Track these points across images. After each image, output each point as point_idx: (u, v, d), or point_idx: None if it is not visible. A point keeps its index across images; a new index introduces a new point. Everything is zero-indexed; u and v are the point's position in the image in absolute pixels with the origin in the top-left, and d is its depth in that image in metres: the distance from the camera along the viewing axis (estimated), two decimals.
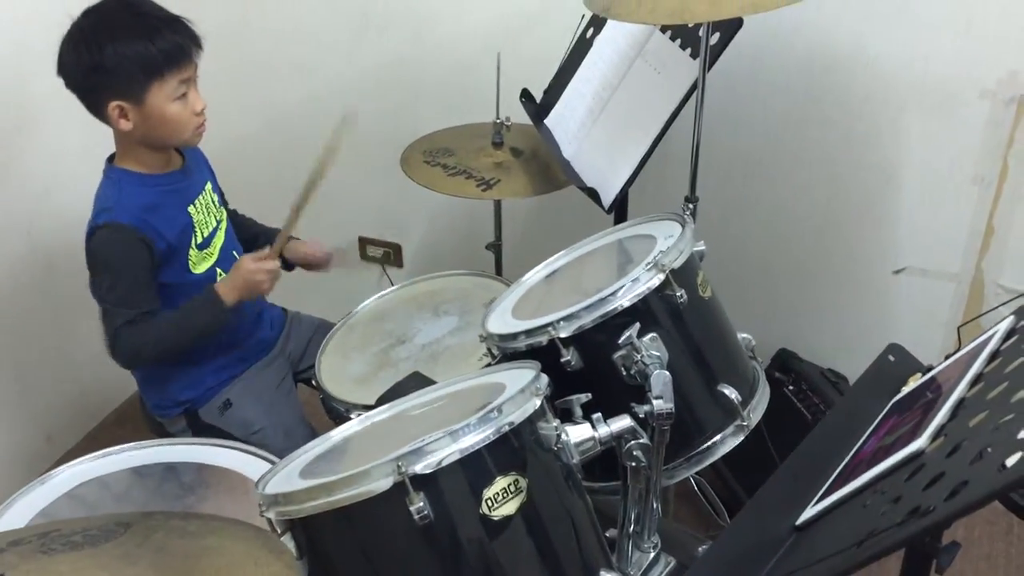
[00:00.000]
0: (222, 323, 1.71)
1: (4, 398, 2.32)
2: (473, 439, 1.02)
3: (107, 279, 1.63)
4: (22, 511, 1.35)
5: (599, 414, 1.17)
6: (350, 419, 1.59)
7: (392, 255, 2.70)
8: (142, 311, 1.64)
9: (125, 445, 1.49)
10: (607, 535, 1.23)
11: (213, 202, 1.79)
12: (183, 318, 1.68)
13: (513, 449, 1.06)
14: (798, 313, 2.25)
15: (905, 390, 1.06)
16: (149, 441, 1.52)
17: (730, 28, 1.57)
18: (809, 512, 0.90)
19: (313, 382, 1.75)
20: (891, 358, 1.13)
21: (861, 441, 0.99)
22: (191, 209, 1.72)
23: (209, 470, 1.45)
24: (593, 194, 1.73)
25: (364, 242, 2.71)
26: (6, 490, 2.20)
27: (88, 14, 1.58)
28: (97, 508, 1.39)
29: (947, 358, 1.07)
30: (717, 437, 1.35)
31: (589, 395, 1.19)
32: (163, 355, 1.70)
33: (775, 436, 1.69)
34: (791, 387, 2.10)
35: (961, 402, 0.85)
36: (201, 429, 1.78)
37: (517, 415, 1.06)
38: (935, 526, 0.65)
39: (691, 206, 1.68)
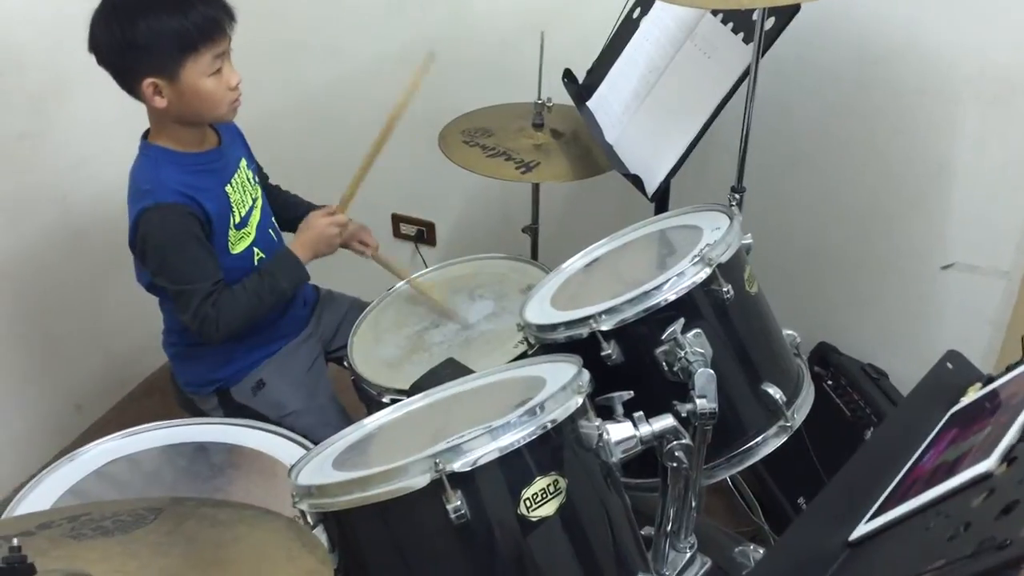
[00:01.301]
0: (302, 282, 1.73)
1: (35, 367, 2.32)
2: (513, 437, 0.99)
3: (171, 259, 1.60)
4: (51, 488, 1.34)
5: (641, 412, 1.14)
6: (382, 403, 1.60)
7: (425, 233, 2.67)
8: (214, 281, 1.62)
9: (156, 423, 1.48)
10: (642, 532, 1.20)
11: (249, 180, 1.76)
12: (265, 282, 1.67)
13: (553, 448, 1.03)
14: (840, 306, 2.20)
15: (964, 401, 1.02)
16: (180, 420, 1.51)
17: (786, 13, 1.52)
18: (863, 528, 0.86)
19: (345, 363, 1.73)
20: (949, 365, 1.09)
21: (918, 454, 0.95)
22: (228, 189, 1.69)
23: (239, 451, 1.44)
24: (636, 181, 1.69)
25: (397, 219, 2.68)
26: (37, 457, 2.24)
27: None
28: (127, 486, 1.38)
29: (1009, 369, 1.03)
30: (759, 438, 1.31)
31: (631, 393, 1.15)
32: (248, 323, 1.67)
33: (812, 432, 1.64)
34: (830, 382, 2.06)
35: None
36: (233, 408, 1.76)
37: (559, 413, 1.03)
38: (1014, 561, 0.61)
39: (738, 196, 1.63)
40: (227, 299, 1.63)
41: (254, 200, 1.76)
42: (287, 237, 1.87)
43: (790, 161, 2.09)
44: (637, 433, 1.12)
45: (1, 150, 2.10)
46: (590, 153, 1.92)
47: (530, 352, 1.47)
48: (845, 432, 1.95)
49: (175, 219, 1.59)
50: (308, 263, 1.73)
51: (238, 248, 1.70)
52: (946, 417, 1.01)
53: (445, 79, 2.39)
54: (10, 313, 2.22)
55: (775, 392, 1.30)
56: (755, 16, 1.49)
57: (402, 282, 1.90)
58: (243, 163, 1.77)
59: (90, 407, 2.49)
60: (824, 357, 2.10)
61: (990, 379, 1.04)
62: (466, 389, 1.28)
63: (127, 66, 1.56)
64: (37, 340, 2.31)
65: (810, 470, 1.92)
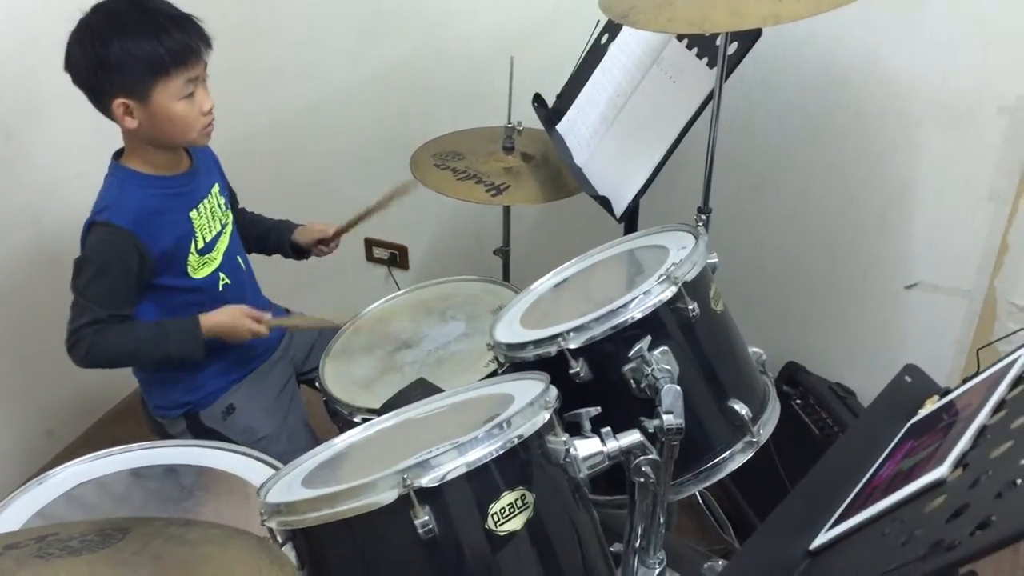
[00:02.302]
0: (191, 358, 1.68)
1: (7, 391, 2.31)
2: (480, 452, 1.00)
3: (88, 273, 1.61)
4: (20, 511, 1.33)
5: (608, 428, 1.15)
6: (354, 423, 1.60)
7: (398, 257, 2.68)
8: (112, 313, 1.62)
9: (125, 446, 1.48)
10: (612, 549, 1.21)
11: (219, 205, 1.77)
12: (153, 335, 1.66)
13: (521, 463, 1.04)
14: (807, 326, 2.23)
15: (922, 413, 1.04)
16: (149, 443, 1.50)
17: (748, 38, 1.55)
18: (823, 537, 0.88)
19: (317, 384, 1.73)
20: (907, 379, 1.11)
21: (877, 464, 0.97)
22: (193, 214, 1.70)
23: (209, 473, 1.44)
24: (605, 203, 1.71)
25: (370, 243, 2.70)
26: (6, 483, 2.21)
27: (96, 10, 1.56)
28: (95, 509, 1.37)
29: (965, 381, 1.05)
30: (726, 453, 1.33)
31: (599, 409, 1.17)
32: (120, 364, 1.69)
33: (781, 450, 1.66)
34: (799, 401, 2.08)
35: (983, 430, 0.83)
36: (202, 432, 1.76)
37: (526, 428, 1.04)
38: (961, 561, 0.63)
39: (704, 217, 1.66)
40: (112, 334, 1.62)
41: (223, 226, 1.77)
42: (254, 260, 1.88)
43: (756, 182, 2.13)
44: (604, 448, 1.13)
45: None
46: (560, 176, 1.95)
47: (500, 371, 1.48)
48: (814, 450, 1.93)
49: (115, 243, 1.60)
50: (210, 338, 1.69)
51: (201, 273, 1.71)
52: (904, 428, 1.03)
53: (417, 103, 2.42)
54: None
55: (741, 408, 1.32)
56: (718, 41, 1.52)
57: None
58: (215, 189, 1.77)
59: (61, 432, 2.47)
60: (792, 376, 2.13)
61: (947, 391, 1.07)
62: (436, 407, 1.29)
63: (99, 85, 1.57)
64: (9, 364, 2.30)
65: (780, 488, 1.93)
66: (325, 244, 1.95)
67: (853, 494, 0.93)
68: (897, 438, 1.01)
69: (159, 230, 1.63)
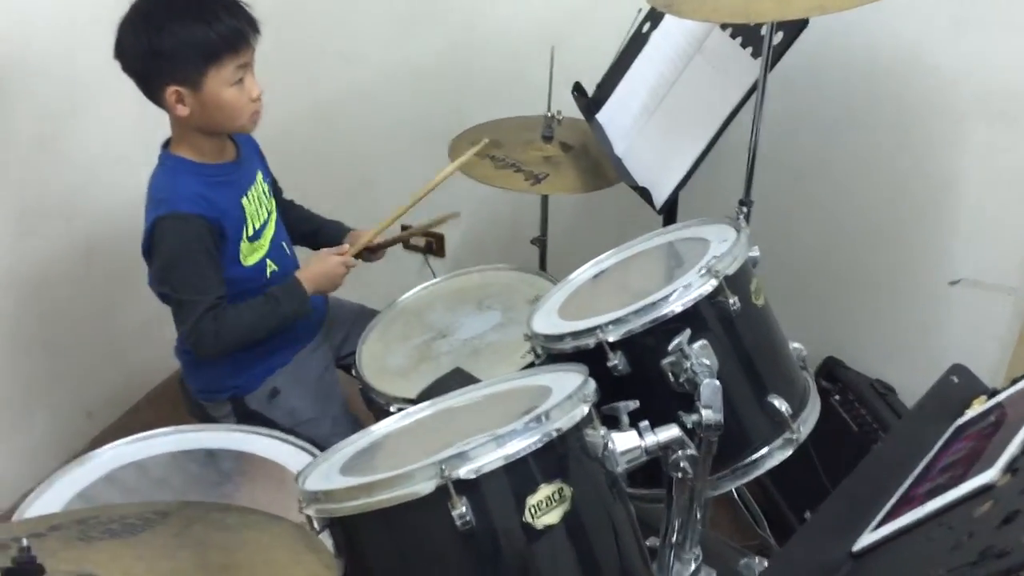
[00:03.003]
0: (303, 314, 1.73)
1: (46, 374, 2.34)
2: (519, 445, 0.99)
3: (180, 269, 1.61)
4: (61, 492, 1.35)
5: (646, 422, 1.14)
6: (389, 411, 1.60)
7: (434, 245, 2.68)
8: (219, 295, 1.63)
9: (165, 428, 1.49)
10: (648, 543, 1.21)
11: (264, 193, 1.78)
12: (268, 306, 1.68)
13: (559, 456, 1.03)
14: (847, 321, 2.20)
15: (969, 414, 1.02)
16: (189, 426, 1.52)
17: (794, 28, 1.53)
18: (867, 539, 0.87)
19: (353, 371, 1.74)
20: (954, 379, 1.09)
21: (923, 466, 0.95)
22: (244, 201, 1.71)
23: (248, 458, 1.45)
24: (644, 193, 1.70)
25: (407, 229, 2.69)
26: (47, 464, 2.25)
27: None
28: (135, 492, 1.38)
29: (1013, 382, 1.03)
30: (765, 450, 1.31)
31: (637, 403, 1.16)
32: (244, 342, 1.68)
33: (819, 446, 1.64)
34: (837, 397, 2.06)
35: None
36: (246, 415, 1.77)
37: (564, 421, 1.03)
38: (1014, 568, 0.61)
39: (745, 209, 1.64)
40: (230, 315, 1.64)
41: (269, 213, 1.78)
42: (298, 251, 1.89)
43: (798, 175, 2.10)
44: (642, 443, 1.13)
45: (13, 160, 2.12)
46: (599, 165, 1.93)
47: (537, 362, 1.48)
48: (852, 447, 1.95)
49: (188, 230, 1.60)
50: (312, 294, 1.74)
51: (250, 260, 1.72)
52: (951, 429, 1.01)
53: (456, 91, 2.42)
54: (23, 321, 2.23)
55: (781, 404, 1.30)
56: (763, 31, 1.50)
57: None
58: (259, 176, 1.78)
59: (101, 414, 2.50)
60: (831, 372, 2.10)
61: (994, 392, 1.05)
62: (473, 398, 1.29)
63: (151, 73, 1.58)
64: (49, 348, 2.32)
65: (817, 484, 1.91)
66: (371, 252, 1.95)
67: (898, 496, 0.92)
68: (943, 439, 0.99)
69: (218, 214, 1.64)
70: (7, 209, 2.13)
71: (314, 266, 1.76)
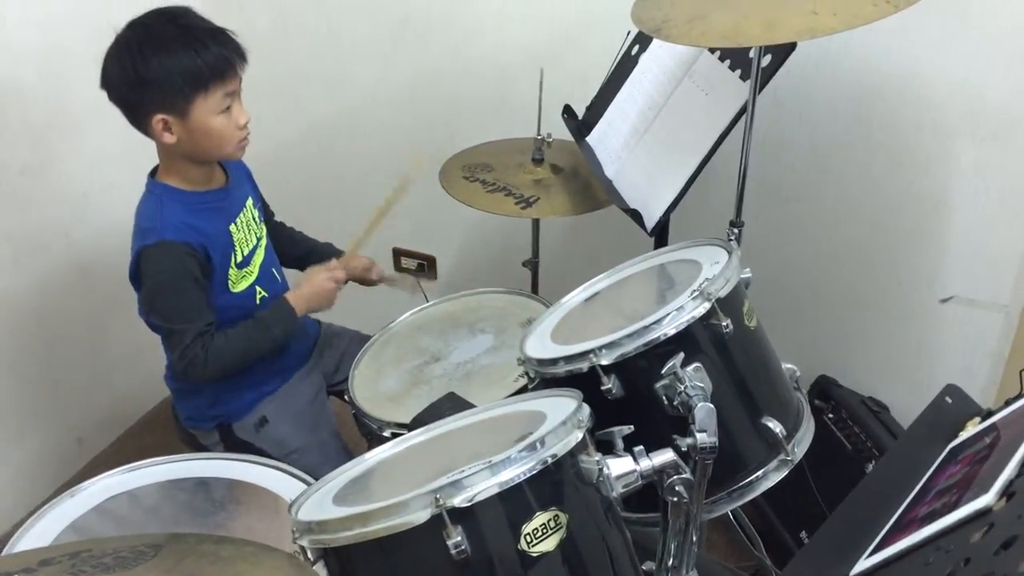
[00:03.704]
0: (292, 334, 1.72)
1: (38, 400, 2.33)
2: (513, 472, 0.99)
3: (167, 298, 1.61)
4: (52, 523, 1.34)
5: (641, 447, 1.14)
6: (382, 436, 1.60)
7: (426, 267, 2.68)
8: (207, 322, 1.63)
9: (156, 458, 1.48)
10: (644, 568, 1.20)
11: (254, 218, 1.78)
12: (258, 330, 1.68)
13: (554, 483, 1.03)
14: (840, 339, 2.21)
15: (963, 435, 1.02)
16: (181, 455, 1.51)
17: (782, 51, 1.54)
18: (864, 564, 0.86)
19: (346, 397, 1.73)
20: (948, 400, 1.09)
21: (918, 489, 0.95)
22: (232, 228, 1.71)
23: (241, 487, 1.44)
24: (635, 216, 1.70)
25: (398, 253, 2.70)
26: (38, 491, 2.24)
27: (133, 26, 1.56)
28: (127, 522, 1.37)
29: (1007, 403, 1.03)
30: (760, 472, 1.31)
31: (631, 427, 1.16)
32: (235, 367, 1.68)
33: (814, 466, 1.64)
34: (831, 415, 2.06)
35: None
36: (234, 444, 1.76)
37: (559, 448, 1.03)
38: None
39: (736, 231, 1.64)
40: (219, 341, 1.63)
41: (258, 239, 1.77)
42: (289, 275, 1.89)
43: (788, 195, 2.11)
44: (637, 467, 1.12)
45: (3, 184, 2.12)
46: (589, 188, 1.93)
47: (530, 386, 1.47)
48: (846, 465, 1.95)
49: (175, 258, 1.60)
50: (304, 313, 1.74)
51: (240, 287, 1.71)
52: (945, 451, 1.01)
53: (446, 114, 2.42)
54: (13, 346, 2.23)
55: (775, 426, 1.30)
56: (752, 53, 1.50)
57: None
58: (249, 202, 1.78)
59: (92, 441, 2.49)
60: (825, 390, 2.10)
61: (989, 413, 1.05)
62: (466, 423, 1.28)
63: (137, 102, 1.57)
64: (40, 374, 2.32)
65: (812, 504, 1.91)
66: (364, 283, 1.95)
67: (893, 519, 0.91)
68: (938, 462, 0.99)
69: (205, 242, 1.64)
70: None
71: (303, 285, 1.76)
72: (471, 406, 1.43)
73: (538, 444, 1.02)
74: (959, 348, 2.08)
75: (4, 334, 2.19)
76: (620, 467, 1.11)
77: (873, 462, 1.90)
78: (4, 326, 2.19)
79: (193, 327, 1.61)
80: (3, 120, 2.10)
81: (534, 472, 1.00)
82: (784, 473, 1.32)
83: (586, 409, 1.11)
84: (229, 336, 1.65)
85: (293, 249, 1.92)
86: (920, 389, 2.14)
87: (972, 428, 1.02)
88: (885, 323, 2.15)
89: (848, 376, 2.11)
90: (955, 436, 1.03)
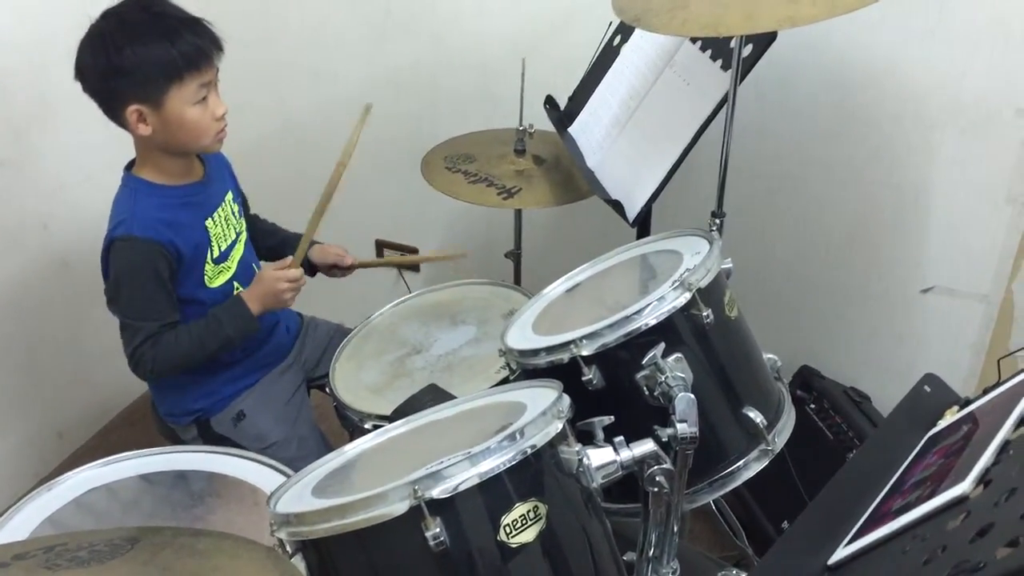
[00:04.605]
0: (250, 334, 1.69)
1: (17, 394, 2.31)
2: (492, 463, 0.98)
3: (126, 292, 1.60)
4: (29, 517, 1.33)
5: (621, 437, 1.14)
6: (364, 428, 1.59)
7: None
8: (163, 323, 1.61)
9: (134, 451, 1.47)
10: (624, 558, 1.20)
11: (233, 213, 1.76)
12: (209, 329, 1.65)
13: (533, 474, 1.02)
14: (821, 330, 2.21)
15: (942, 424, 1.02)
16: (159, 448, 1.50)
17: (763, 40, 1.53)
18: (842, 552, 0.86)
19: (327, 389, 1.72)
20: (927, 388, 1.09)
21: (896, 478, 0.95)
22: (208, 223, 1.69)
23: (219, 479, 1.43)
24: (617, 206, 1.70)
25: (381, 244, 2.69)
26: (16, 484, 2.22)
27: (107, 16, 1.54)
28: (105, 516, 1.36)
29: (985, 392, 1.03)
30: (741, 462, 1.31)
31: (612, 418, 1.15)
32: (187, 367, 1.67)
33: (795, 455, 1.65)
34: (813, 406, 2.06)
35: (1006, 445, 0.81)
36: (212, 438, 1.75)
37: (539, 438, 1.02)
38: None
39: (718, 221, 1.64)
40: (168, 341, 1.62)
41: (237, 234, 1.76)
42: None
43: (770, 186, 2.11)
44: (618, 458, 1.12)
45: None
46: (572, 179, 1.93)
47: (512, 377, 1.47)
48: (828, 455, 1.95)
49: (140, 254, 1.58)
50: (260, 313, 1.69)
51: (216, 282, 1.70)
52: (923, 440, 1.01)
53: (428, 104, 2.41)
54: None
55: (756, 416, 1.30)
56: (733, 43, 1.50)
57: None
58: (228, 196, 1.76)
59: (71, 435, 2.47)
60: (807, 381, 2.11)
61: (967, 402, 1.05)
62: (447, 415, 1.27)
63: (112, 92, 1.55)
64: (19, 367, 2.30)
65: (794, 494, 1.92)
66: (339, 269, 1.93)
67: (872, 508, 0.91)
68: (916, 450, 0.99)
69: (177, 239, 1.62)
70: None
71: (255, 286, 1.69)
72: (452, 398, 1.42)
73: (518, 435, 1.01)
74: (940, 338, 2.09)
75: None
76: (600, 457, 1.11)
77: (854, 451, 1.90)
78: None
79: (147, 326, 1.60)
80: None
81: (514, 463, 0.99)
82: (765, 463, 1.32)
83: (566, 399, 1.10)
84: (180, 335, 1.63)
85: (266, 240, 1.90)
86: (902, 379, 2.11)
87: (950, 417, 1.03)
88: (867, 313, 2.15)
89: (830, 366, 2.12)
90: (933, 425, 1.04)
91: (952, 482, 0.79)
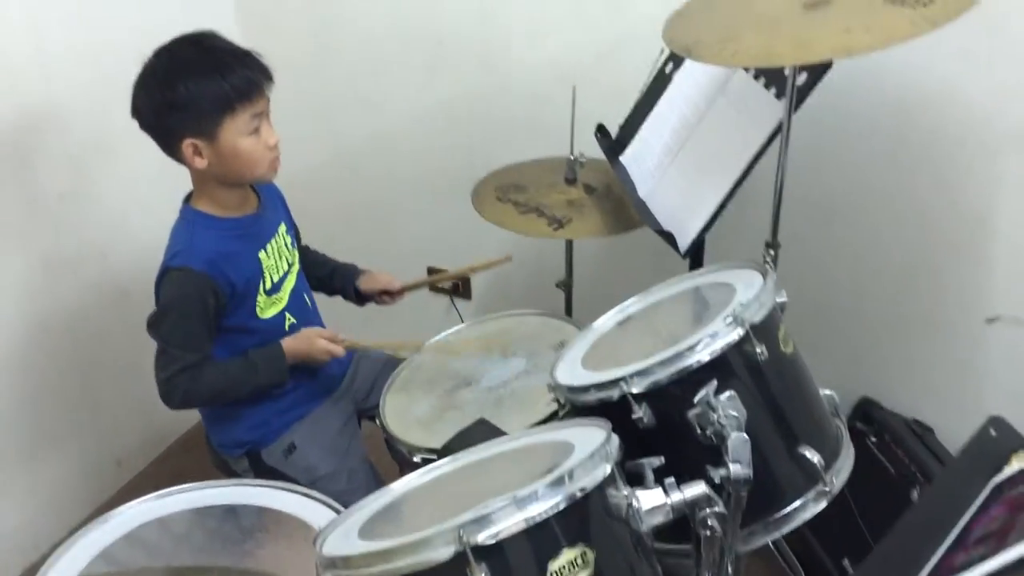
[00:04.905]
0: (279, 384, 1.70)
1: (77, 422, 2.35)
2: (540, 508, 0.96)
3: (172, 321, 1.62)
4: (83, 551, 1.33)
5: (672, 479, 1.11)
6: (414, 462, 1.58)
7: (461, 287, 2.67)
8: (202, 355, 1.64)
9: (186, 485, 1.47)
10: None
11: (286, 245, 1.78)
12: (243, 371, 1.67)
13: (581, 518, 1.00)
14: (882, 360, 2.15)
15: (1008, 471, 0.97)
16: (211, 481, 1.50)
17: (818, 69, 1.51)
18: None
19: (377, 421, 1.72)
20: (992, 432, 1.04)
21: (960, 528, 0.91)
22: (262, 255, 1.71)
23: (270, 514, 1.43)
24: (669, 238, 1.67)
25: (433, 272, 2.69)
26: (77, 513, 2.26)
27: (159, 54, 1.58)
28: (156, 550, 1.37)
29: None
30: (798, 503, 1.27)
31: (662, 459, 1.13)
32: (214, 403, 1.71)
33: (856, 490, 1.59)
34: (874, 439, 2.00)
35: None
36: (263, 471, 1.76)
37: (587, 481, 1.00)
38: None
39: (772, 252, 1.61)
40: (204, 376, 1.64)
41: (290, 265, 1.77)
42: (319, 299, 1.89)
43: (827, 215, 2.06)
44: (668, 501, 1.09)
45: (42, 208, 2.15)
46: (623, 208, 1.91)
47: (561, 413, 1.45)
48: (890, 491, 1.89)
49: (194, 287, 1.61)
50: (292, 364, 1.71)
51: (268, 313, 1.71)
52: (988, 488, 0.97)
53: (477, 135, 2.42)
54: (53, 369, 2.25)
55: (813, 455, 1.26)
56: (787, 72, 1.47)
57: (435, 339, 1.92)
58: (282, 228, 1.78)
59: (130, 462, 2.50)
60: (867, 413, 2.05)
61: None
62: (494, 453, 1.26)
63: (167, 128, 1.58)
64: (78, 396, 2.34)
65: (854, 530, 1.87)
66: (389, 295, 1.94)
67: (935, 561, 0.88)
68: (982, 498, 0.95)
69: (231, 272, 1.64)
70: (36, 258, 2.16)
71: (299, 343, 1.71)
72: (501, 433, 1.41)
73: (566, 478, 0.99)
74: (1007, 368, 2.02)
75: (44, 356, 2.22)
76: (650, 500, 1.08)
77: (918, 487, 1.85)
78: (43, 348, 2.21)
79: (188, 357, 1.62)
80: (44, 146, 2.13)
81: (561, 507, 0.97)
82: (823, 505, 1.28)
83: (615, 440, 1.08)
84: (217, 374, 1.65)
85: (315, 271, 1.91)
86: (967, 411, 2.08)
87: (1017, 463, 0.98)
88: (929, 343, 2.09)
89: (891, 398, 2.06)
90: (999, 471, 0.99)
91: (1017, 538, 0.76)
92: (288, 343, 1.70)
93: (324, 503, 1.41)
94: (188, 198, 1.70)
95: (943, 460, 1.87)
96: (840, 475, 1.31)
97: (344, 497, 1.47)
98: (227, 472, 1.82)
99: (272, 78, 1.63)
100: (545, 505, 0.97)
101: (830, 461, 1.30)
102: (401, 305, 1.99)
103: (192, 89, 1.54)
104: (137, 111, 1.59)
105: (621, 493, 1.05)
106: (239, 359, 1.68)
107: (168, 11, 2.19)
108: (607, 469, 1.03)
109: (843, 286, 2.13)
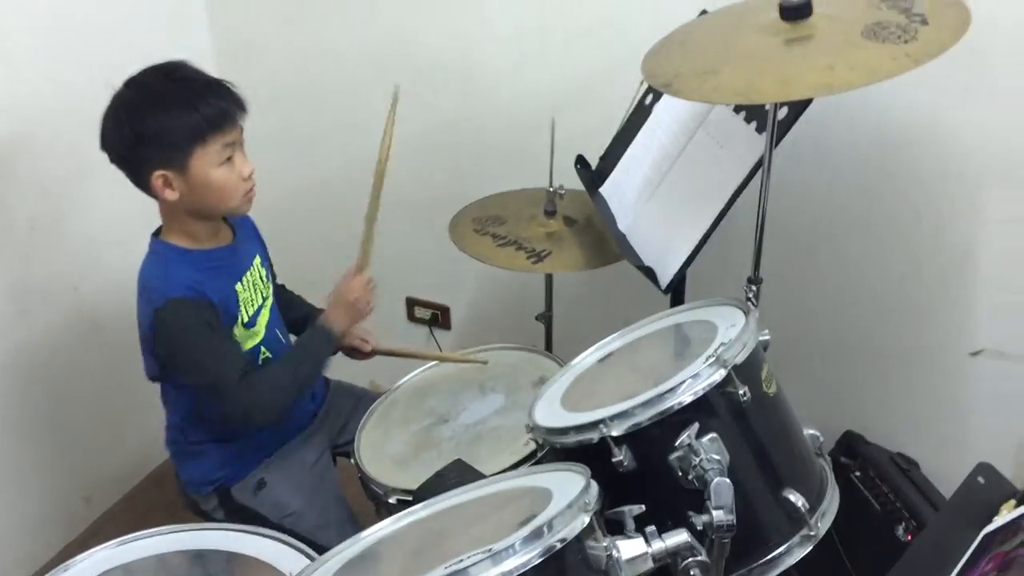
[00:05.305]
0: (333, 354, 1.71)
1: (44, 458, 2.29)
2: (516, 562, 0.92)
3: (191, 354, 1.57)
4: None
5: (653, 527, 1.08)
6: (387, 502, 1.54)
7: (440, 317, 2.64)
8: (245, 363, 1.60)
9: (151, 530, 1.42)
10: None
11: (261, 278, 1.73)
12: (298, 357, 1.67)
13: (559, 571, 0.96)
14: (866, 394, 2.13)
15: (998, 521, 0.95)
16: (175, 526, 1.45)
17: (799, 104, 1.49)
18: None
19: (351, 460, 1.68)
20: (980, 480, 1.02)
21: None
22: (239, 287, 1.66)
23: (238, 560, 1.38)
24: (649, 273, 1.64)
25: (412, 303, 2.66)
26: (45, 548, 2.20)
27: (129, 85, 1.54)
28: None
29: None
30: (782, 547, 1.24)
31: (642, 507, 1.10)
32: (289, 401, 1.64)
33: (840, 526, 1.57)
34: (858, 473, 1.97)
35: None
36: (233, 508, 1.71)
37: (565, 533, 0.97)
38: None
39: (755, 288, 1.58)
40: (261, 377, 1.60)
41: (264, 299, 1.73)
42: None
43: (809, 249, 2.05)
44: (649, 550, 1.06)
45: (12, 239, 2.11)
46: (603, 241, 1.88)
47: (539, 453, 1.42)
48: (875, 526, 1.86)
49: (189, 313, 1.55)
50: (346, 329, 1.73)
51: (246, 346, 1.66)
52: (979, 538, 0.94)
53: (455, 166, 2.39)
54: (21, 403, 2.20)
55: (797, 499, 1.24)
56: (767, 107, 1.45)
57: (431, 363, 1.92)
58: (257, 260, 1.74)
59: (99, 499, 2.44)
60: (851, 446, 2.02)
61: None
62: (469, 498, 1.22)
63: (136, 160, 1.54)
64: (47, 430, 2.28)
65: (837, 566, 1.84)
66: (360, 353, 1.88)
67: None
68: (972, 549, 0.92)
69: (211, 296, 1.59)
70: (5, 290, 2.12)
71: (333, 304, 1.73)
72: (478, 474, 1.37)
73: (545, 528, 0.96)
74: (991, 402, 2.01)
75: (12, 391, 2.16)
76: (631, 550, 1.05)
77: (903, 523, 1.82)
78: (12, 382, 2.16)
79: (230, 374, 1.56)
80: (13, 177, 2.09)
81: (538, 561, 0.94)
82: (808, 549, 1.26)
83: (594, 489, 1.05)
84: (267, 375, 1.63)
85: (289, 313, 1.86)
86: (951, 444, 2.06)
87: (1007, 513, 0.95)
88: (913, 376, 2.07)
89: (875, 431, 2.03)
90: (989, 520, 0.96)
91: None
92: (327, 315, 1.72)
93: (295, 547, 1.37)
94: (157, 232, 1.66)
95: (928, 495, 1.84)
96: (825, 518, 1.29)
97: (316, 534, 1.44)
98: (196, 512, 1.77)
99: (246, 108, 1.59)
100: (520, 559, 0.93)
101: (815, 504, 1.28)
102: (380, 336, 1.95)
103: (161, 120, 1.50)
104: (106, 144, 1.54)
105: (601, 544, 1.02)
106: (287, 354, 1.70)
107: (142, 39, 2.16)
108: (585, 520, 1.00)
109: (826, 319, 2.11)
